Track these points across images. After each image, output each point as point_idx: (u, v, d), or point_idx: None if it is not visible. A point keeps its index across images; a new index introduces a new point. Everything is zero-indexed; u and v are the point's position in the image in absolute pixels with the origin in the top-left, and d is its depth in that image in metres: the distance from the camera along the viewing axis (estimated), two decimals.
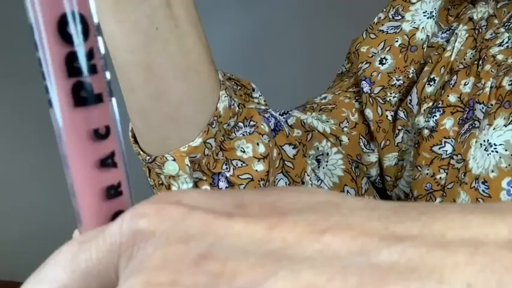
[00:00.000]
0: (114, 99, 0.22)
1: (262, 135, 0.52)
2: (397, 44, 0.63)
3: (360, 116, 0.62)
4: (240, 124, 0.52)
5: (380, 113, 0.61)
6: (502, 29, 0.57)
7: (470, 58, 0.58)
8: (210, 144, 0.49)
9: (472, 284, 0.17)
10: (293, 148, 0.57)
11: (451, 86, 0.57)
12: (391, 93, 0.61)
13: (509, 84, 0.52)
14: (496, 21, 0.58)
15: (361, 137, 0.62)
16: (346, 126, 0.62)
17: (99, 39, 0.22)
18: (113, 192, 0.23)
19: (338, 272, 0.17)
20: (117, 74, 0.46)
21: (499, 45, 0.56)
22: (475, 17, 0.60)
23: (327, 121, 0.62)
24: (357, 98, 0.63)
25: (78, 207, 0.23)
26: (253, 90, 0.57)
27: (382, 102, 0.61)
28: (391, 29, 0.64)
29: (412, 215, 0.19)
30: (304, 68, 1.65)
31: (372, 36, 0.65)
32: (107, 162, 0.22)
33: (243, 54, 1.71)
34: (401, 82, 0.61)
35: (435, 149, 0.56)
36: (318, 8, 1.63)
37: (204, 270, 0.18)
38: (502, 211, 0.19)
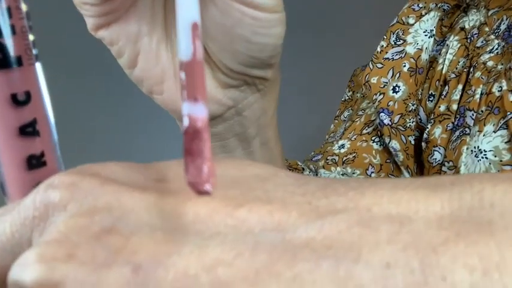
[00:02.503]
0: (38, 64, 0.21)
1: None
2: (405, 69, 0.63)
3: (382, 156, 0.63)
4: None
5: (405, 141, 0.61)
6: (492, 36, 0.57)
7: (462, 66, 0.58)
8: None
9: (392, 264, 0.15)
10: None
11: (443, 97, 0.57)
12: (409, 119, 0.62)
13: (498, 91, 0.52)
14: (486, 29, 0.58)
15: (389, 175, 0.62)
16: (372, 172, 0.62)
17: None
18: (34, 162, 0.22)
19: (248, 248, 0.17)
20: None
21: (489, 52, 0.56)
22: (466, 26, 0.60)
23: (353, 173, 0.62)
24: (373, 138, 0.64)
25: (2, 176, 0.22)
26: (303, 169, 0.58)
27: (403, 129, 0.61)
28: (396, 54, 0.64)
29: (340, 191, 0.18)
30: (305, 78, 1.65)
31: (379, 65, 0.65)
32: (27, 130, 0.21)
33: None
34: (416, 106, 0.62)
35: (429, 158, 0.57)
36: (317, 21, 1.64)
37: (104, 245, 0.17)
38: (438, 186, 0.18)
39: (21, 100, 0.21)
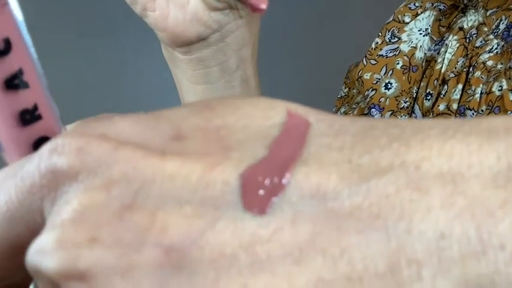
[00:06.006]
0: (13, 4, 0.18)
1: None
2: (398, 67, 0.63)
3: None
4: None
5: None
6: (491, 36, 0.57)
7: (461, 66, 0.57)
8: None
9: (447, 234, 0.14)
10: None
11: (442, 97, 0.57)
12: (401, 116, 0.61)
13: (498, 90, 0.52)
14: (485, 29, 0.58)
15: None
16: None
17: None
18: (28, 117, 0.19)
19: (288, 221, 0.15)
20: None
21: (489, 52, 0.55)
22: (465, 26, 0.60)
23: None
24: None
25: None
26: None
27: None
28: (390, 52, 0.64)
29: (382, 141, 0.16)
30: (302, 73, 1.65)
31: (373, 62, 0.65)
32: (13, 83, 0.19)
33: None
34: (408, 104, 0.61)
35: None
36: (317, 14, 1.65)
37: (129, 224, 0.15)
38: (491, 132, 0.16)
39: (0, 49, 0.18)
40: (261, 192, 0.15)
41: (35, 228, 0.17)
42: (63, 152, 0.17)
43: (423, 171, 0.15)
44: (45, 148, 0.17)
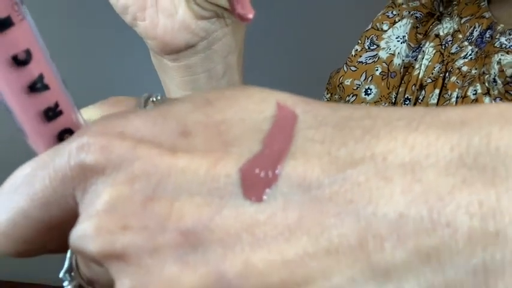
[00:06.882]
0: (29, 17, 0.21)
1: None
2: (377, 73, 0.65)
3: None
4: None
5: None
6: (466, 43, 0.59)
7: (438, 72, 0.60)
8: None
9: (404, 215, 0.17)
10: None
11: (420, 102, 0.59)
12: None
13: (473, 94, 0.54)
14: (460, 36, 0.60)
15: None
16: None
17: None
18: (51, 114, 0.22)
19: (279, 207, 0.18)
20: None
21: (464, 58, 0.58)
22: (441, 33, 0.62)
23: None
24: None
25: (24, 131, 0.22)
26: None
27: None
28: (370, 59, 0.66)
29: (356, 134, 0.19)
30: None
31: (353, 68, 0.67)
32: (36, 87, 0.21)
33: None
34: None
35: None
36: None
37: (152, 213, 0.18)
38: (449, 124, 0.18)
39: (22, 60, 0.21)
40: (258, 183, 0.18)
41: (68, 210, 0.20)
42: (90, 150, 0.19)
43: (389, 162, 0.18)
44: (73, 145, 0.20)
